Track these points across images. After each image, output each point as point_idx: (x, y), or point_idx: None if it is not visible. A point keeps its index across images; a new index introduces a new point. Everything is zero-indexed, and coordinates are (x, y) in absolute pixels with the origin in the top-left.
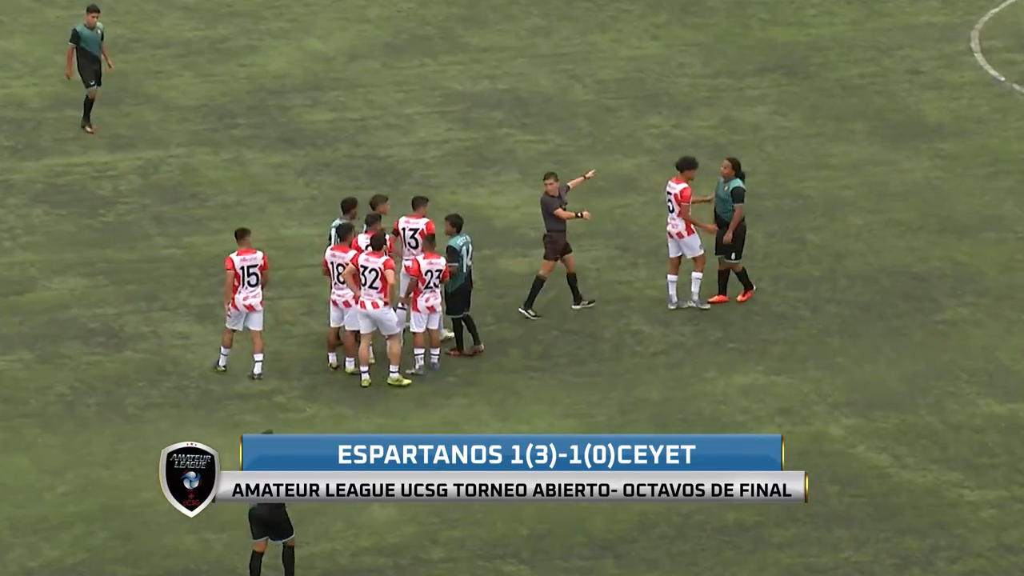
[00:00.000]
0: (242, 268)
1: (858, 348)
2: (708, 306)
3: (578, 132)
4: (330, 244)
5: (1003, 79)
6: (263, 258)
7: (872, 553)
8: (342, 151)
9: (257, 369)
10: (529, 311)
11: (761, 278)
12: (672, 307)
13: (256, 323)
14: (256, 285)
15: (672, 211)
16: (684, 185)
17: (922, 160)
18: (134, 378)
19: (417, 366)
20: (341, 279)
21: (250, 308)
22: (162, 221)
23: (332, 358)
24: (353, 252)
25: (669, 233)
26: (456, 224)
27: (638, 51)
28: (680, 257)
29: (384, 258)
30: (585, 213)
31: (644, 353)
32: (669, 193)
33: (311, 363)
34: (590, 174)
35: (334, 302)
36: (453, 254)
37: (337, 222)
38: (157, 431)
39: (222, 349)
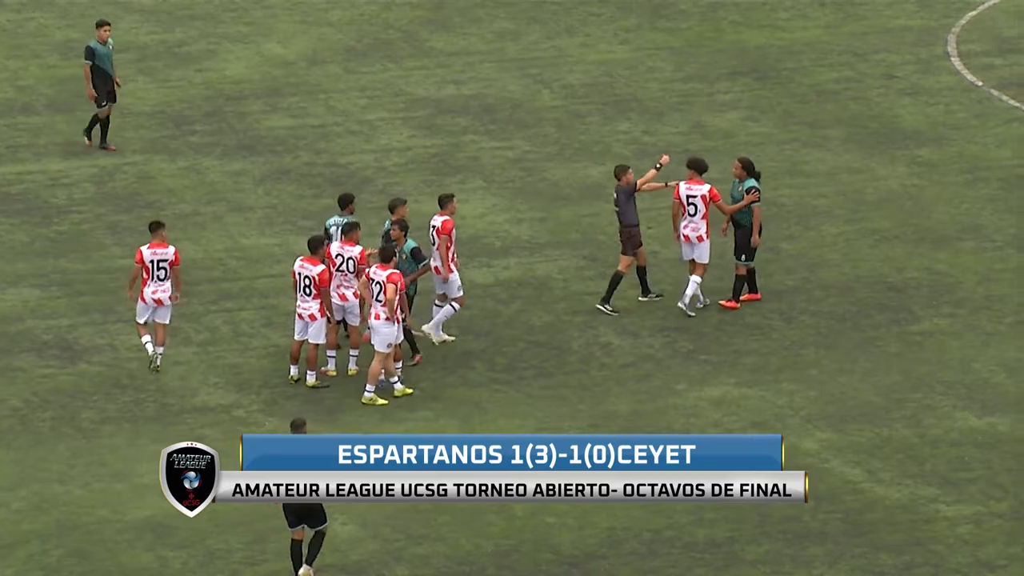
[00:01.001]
0: (151, 262)
1: (832, 360)
2: (694, 314)
3: (545, 138)
4: (328, 241)
5: (981, 84)
6: (175, 253)
7: (846, 570)
8: (302, 158)
9: (158, 361)
10: (607, 306)
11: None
12: (700, 306)
13: (163, 317)
14: (165, 280)
15: (694, 214)
16: (709, 185)
17: (898, 167)
18: (89, 392)
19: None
20: (343, 289)
21: (159, 302)
22: (117, 231)
23: (293, 370)
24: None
25: (686, 237)
26: (405, 229)
27: (607, 55)
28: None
29: (388, 271)
30: (663, 158)
31: (613, 365)
32: (691, 196)
33: (271, 376)
34: (664, 159)
35: (299, 315)
36: (419, 255)
37: (336, 219)
38: (113, 446)
39: (143, 339)
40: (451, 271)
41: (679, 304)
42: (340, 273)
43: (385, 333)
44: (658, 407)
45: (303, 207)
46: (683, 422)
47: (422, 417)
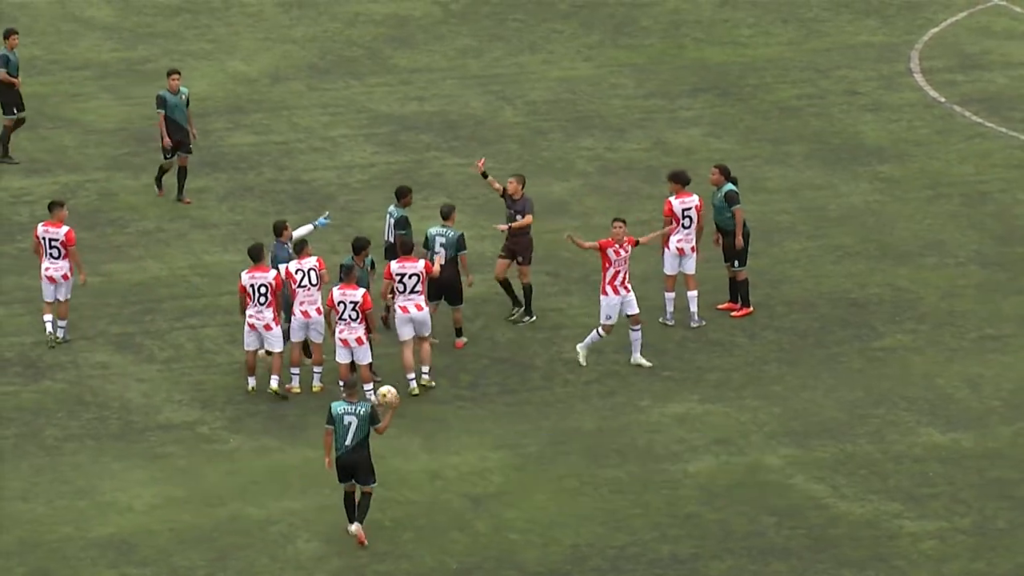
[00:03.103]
0: (44, 239)
1: (796, 376)
2: (704, 322)
3: (508, 155)
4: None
5: (943, 100)
6: (66, 234)
7: None
8: (266, 175)
9: (60, 333)
10: (522, 314)
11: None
12: (670, 323)
13: (63, 294)
14: (59, 258)
15: (688, 226)
16: (698, 196)
17: (861, 183)
18: (52, 409)
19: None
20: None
21: (51, 280)
22: (80, 248)
23: (251, 382)
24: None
25: (679, 249)
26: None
27: (570, 72)
28: (675, 276)
29: (421, 262)
30: (480, 162)
31: (576, 382)
32: (685, 209)
33: (235, 392)
34: (480, 163)
35: (252, 325)
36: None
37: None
38: (76, 463)
39: (45, 317)
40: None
41: (693, 324)
42: (303, 289)
43: (428, 319)
44: (622, 424)
45: (266, 223)
46: (647, 439)
47: (385, 435)
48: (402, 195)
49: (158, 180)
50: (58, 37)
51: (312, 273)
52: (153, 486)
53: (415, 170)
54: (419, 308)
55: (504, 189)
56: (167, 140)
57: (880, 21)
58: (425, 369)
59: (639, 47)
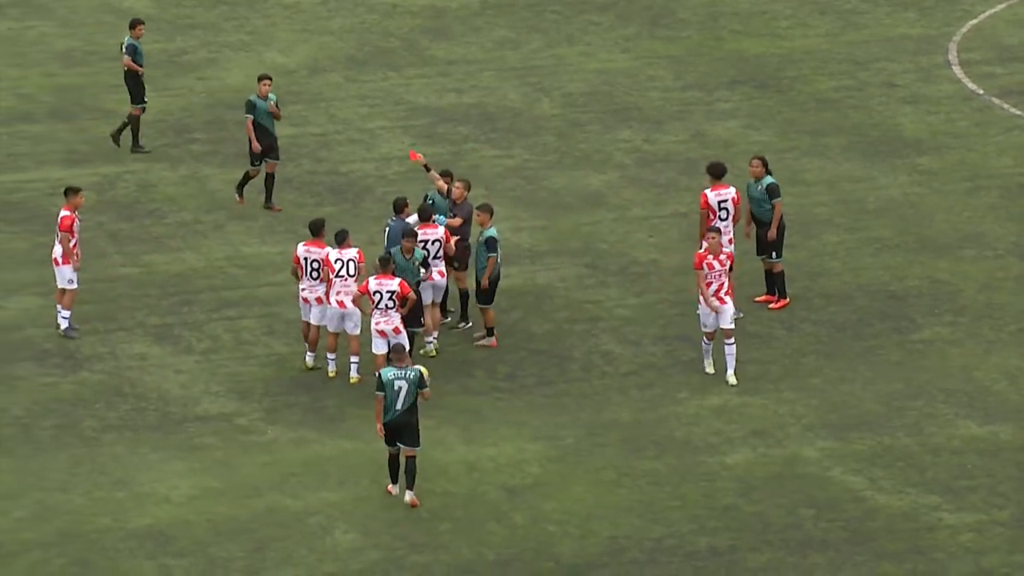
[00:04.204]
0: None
1: (833, 368)
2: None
3: (545, 147)
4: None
5: (982, 92)
6: (62, 217)
7: None
8: (303, 167)
9: (60, 323)
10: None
11: (735, 297)
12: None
13: (58, 279)
14: (58, 242)
15: (725, 219)
16: (734, 188)
17: (899, 176)
18: (91, 400)
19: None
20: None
21: (55, 262)
22: (119, 239)
23: (309, 358)
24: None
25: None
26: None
27: (607, 64)
28: None
29: (441, 229)
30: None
31: (614, 374)
32: (722, 201)
33: (272, 384)
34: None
35: (305, 298)
36: (493, 244)
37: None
38: (114, 454)
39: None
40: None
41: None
42: (340, 279)
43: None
44: (659, 416)
45: (304, 215)
46: (684, 431)
47: (423, 426)
48: (399, 208)
49: (240, 188)
50: (97, 28)
51: (351, 264)
52: (191, 477)
53: (452, 162)
54: (441, 275)
55: (449, 190)
56: (256, 145)
57: (918, 13)
58: (432, 337)
59: (677, 39)
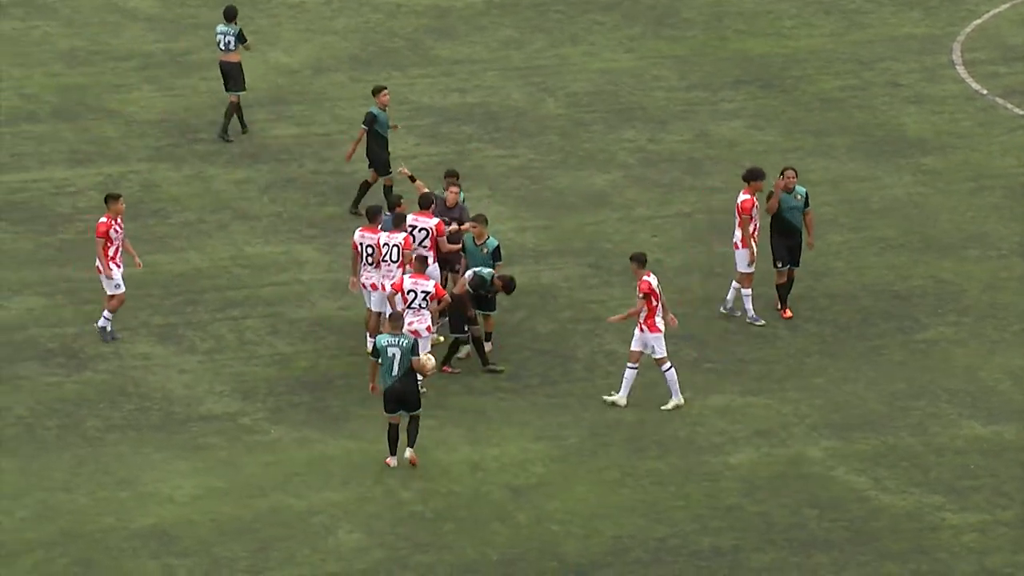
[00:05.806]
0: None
1: (837, 368)
2: (764, 322)
3: (549, 147)
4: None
5: (986, 92)
6: (97, 224)
7: None
8: (307, 167)
9: (101, 323)
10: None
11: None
12: (759, 323)
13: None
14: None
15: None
16: (746, 196)
17: (903, 176)
18: (94, 400)
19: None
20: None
21: (98, 270)
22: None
23: (370, 343)
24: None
25: (736, 244)
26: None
27: (611, 64)
28: (753, 274)
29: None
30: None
31: (618, 374)
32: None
33: (276, 384)
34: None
35: (363, 285)
36: (499, 253)
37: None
38: (118, 454)
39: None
40: None
41: (749, 320)
42: (385, 263)
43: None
44: (663, 416)
45: (308, 215)
46: (688, 431)
47: (427, 426)
48: (392, 205)
49: (356, 202)
50: (102, 28)
51: (396, 250)
52: (194, 477)
53: (456, 162)
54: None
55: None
56: (351, 153)
57: (922, 13)
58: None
59: (681, 39)
